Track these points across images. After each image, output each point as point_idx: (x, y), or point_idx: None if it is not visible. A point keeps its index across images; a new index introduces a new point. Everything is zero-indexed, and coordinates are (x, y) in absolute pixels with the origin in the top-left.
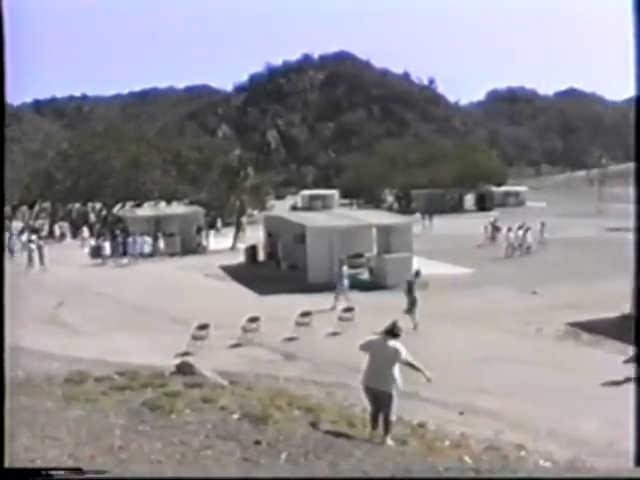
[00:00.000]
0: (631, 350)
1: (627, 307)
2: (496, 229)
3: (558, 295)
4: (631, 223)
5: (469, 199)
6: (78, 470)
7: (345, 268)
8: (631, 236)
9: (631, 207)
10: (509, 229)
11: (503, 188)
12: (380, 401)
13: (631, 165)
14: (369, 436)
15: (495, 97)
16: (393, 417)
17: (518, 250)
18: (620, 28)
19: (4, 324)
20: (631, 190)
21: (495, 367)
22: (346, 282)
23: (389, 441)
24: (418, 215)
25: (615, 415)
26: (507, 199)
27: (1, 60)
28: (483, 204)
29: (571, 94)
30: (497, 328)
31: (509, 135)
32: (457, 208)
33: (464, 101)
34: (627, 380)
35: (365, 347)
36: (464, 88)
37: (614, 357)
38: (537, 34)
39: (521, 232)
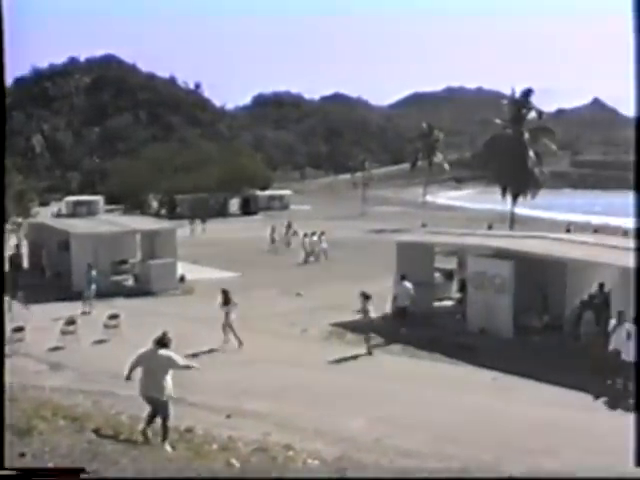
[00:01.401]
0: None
1: (388, 306)
2: (295, 233)
3: (324, 297)
4: (392, 225)
5: (234, 203)
6: (78, 471)
7: (93, 273)
8: (392, 237)
9: (392, 209)
10: (305, 234)
11: (268, 192)
12: (156, 408)
13: (394, 168)
14: (140, 442)
15: (261, 101)
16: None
17: (313, 255)
18: (389, 31)
19: (4, 331)
20: (392, 193)
21: (261, 369)
22: (94, 287)
23: (167, 447)
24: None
25: (380, 412)
26: (272, 203)
27: (1, 61)
28: (248, 208)
29: (336, 99)
30: (263, 331)
31: (274, 139)
32: (222, 212)
33: (230, 105)
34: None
35: (136, 362)
36: (230, 92)
37: (377, 355)
38: (304, 38)
39: (315, 237)
